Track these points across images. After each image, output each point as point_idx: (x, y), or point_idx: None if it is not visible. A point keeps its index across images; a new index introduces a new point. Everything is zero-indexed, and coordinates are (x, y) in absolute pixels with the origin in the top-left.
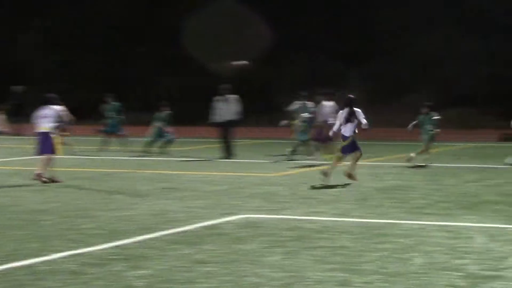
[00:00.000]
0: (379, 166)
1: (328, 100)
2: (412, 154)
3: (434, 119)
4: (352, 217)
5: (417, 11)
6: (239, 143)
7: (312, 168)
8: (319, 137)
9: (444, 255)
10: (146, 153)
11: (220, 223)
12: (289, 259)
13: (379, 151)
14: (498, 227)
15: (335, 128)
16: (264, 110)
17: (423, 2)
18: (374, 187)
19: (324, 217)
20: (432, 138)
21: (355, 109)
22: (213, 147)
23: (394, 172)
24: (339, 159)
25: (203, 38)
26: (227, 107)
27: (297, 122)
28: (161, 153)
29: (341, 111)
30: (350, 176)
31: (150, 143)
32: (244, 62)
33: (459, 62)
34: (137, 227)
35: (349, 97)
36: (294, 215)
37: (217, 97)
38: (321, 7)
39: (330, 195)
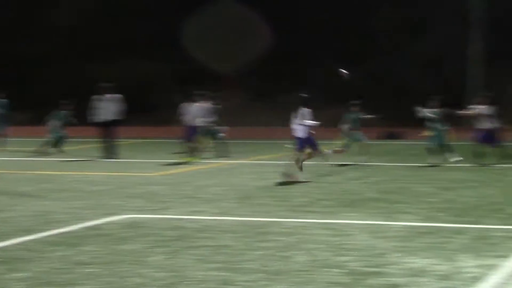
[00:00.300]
0: (261, 165)
1: (201, 100)
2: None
3: (358, 118)
4: (235, 215)
5: None
6: (122, 142)
7: (193, 168)
8: (191, 136)
9: (326, 252)
10: (40, 153)
11: (102, 224)
12: (171, 259)
13: (261, 150)
14: (379, 224)
15: (292, 126)
16: (145, 109)
17: None
18: (256, 185)
19: (206, 216)
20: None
21: (304, 108)
22: (96, 147)
23: (276, 170)
24: (310, 155)
25: (202, 39)
26: (108, 107)
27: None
28: (51, 153)
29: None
30: (291, 176)
31: (47, 143)
32: (347, 72)
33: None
34: (17, 229)
35: (301, 96)
36: (176, 215)
37: (96, 96)
38: None
39: (213, 194)
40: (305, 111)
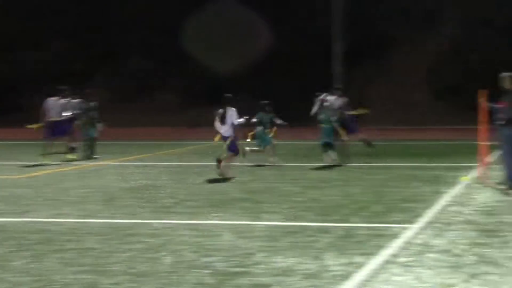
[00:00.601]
0: (126, 166)
1: (65, 96)
2: (248, 148)
3: (271, 118)
4: (100, 218)
5: None
6: None
7: (58, 170)
8: (51, 134)
9: (193, 253)
10: None
11: None
12: (35, 263)
13: (126, 151)
14: (245, 224)
15: (216, 126)
16: (9, 110)
17: None
18: (121, 187)
19: (71, 218)
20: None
21: (228, 108)
22: None
23: (141, 171)
24: (231, 158)
25: (202, 39)
26: None
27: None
28: None
29: (219, 110)
30: (222, 174)
31: None
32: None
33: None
34: None
35: (224, 96)
36: (40, 218)
37: None
38: None
39: (77, 196)
40: (231, 110)
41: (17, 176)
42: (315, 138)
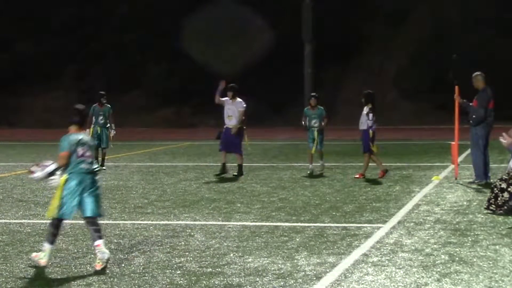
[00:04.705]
0: None
1: None
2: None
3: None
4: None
5: None
6: None
7: (26, 170)
8: None
9: (165, 254)
10: None
11: None
12: (4, 264)
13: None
14: (216, 224)
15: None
16: None
17: None
18: None
19: (41, 220)
20: None
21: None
22: None
23: (112, 172)
24: None
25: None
26: None
27: None
28: None
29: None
30: None
31: None
32: None
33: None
34: None
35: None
36: (9, 219)
37: None
38: None
39: (47, 198)
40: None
41: None
42: (285, 138)
